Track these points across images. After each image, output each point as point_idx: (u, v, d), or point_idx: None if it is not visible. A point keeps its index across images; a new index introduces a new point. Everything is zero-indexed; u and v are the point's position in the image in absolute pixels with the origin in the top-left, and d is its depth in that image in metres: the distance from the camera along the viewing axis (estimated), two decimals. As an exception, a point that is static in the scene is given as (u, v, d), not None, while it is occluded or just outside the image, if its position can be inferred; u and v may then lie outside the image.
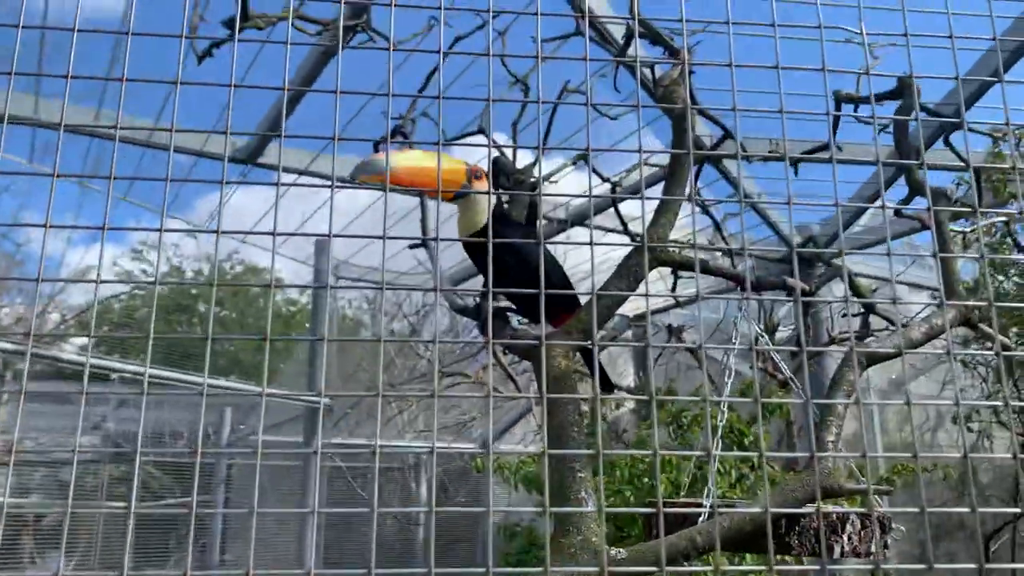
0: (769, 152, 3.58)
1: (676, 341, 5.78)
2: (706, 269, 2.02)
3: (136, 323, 14.63)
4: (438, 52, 1.40)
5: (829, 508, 1.89)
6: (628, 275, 1.98)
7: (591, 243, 1.31)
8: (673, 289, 3.25)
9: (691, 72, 2.78)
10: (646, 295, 1.54)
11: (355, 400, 8.44)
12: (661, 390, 4.89)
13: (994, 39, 1.62)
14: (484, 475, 5.59)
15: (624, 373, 7.50)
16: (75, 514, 8.21)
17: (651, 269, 2.09)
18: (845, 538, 1.79)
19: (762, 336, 2.59)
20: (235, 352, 14.11)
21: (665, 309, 7.27)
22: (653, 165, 3.69)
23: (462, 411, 8.19)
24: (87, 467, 8.34)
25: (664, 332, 6.69)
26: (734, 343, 2.36)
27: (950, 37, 1.58)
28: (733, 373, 2.21)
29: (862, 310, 3.08)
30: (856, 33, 1.59)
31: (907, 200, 2.60)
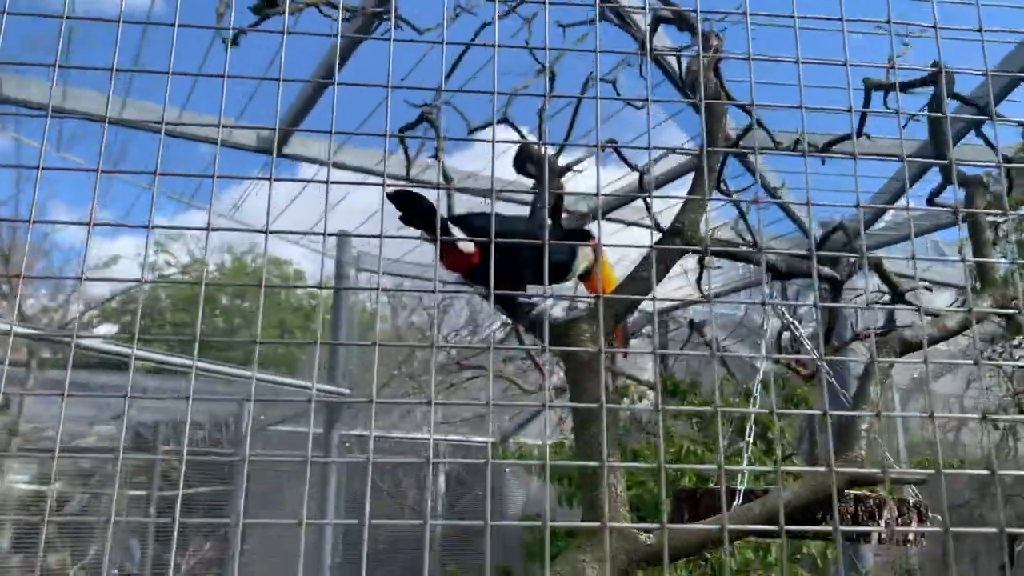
0: (795, 144, 3.54)
1: (697, 336, 5.74)
2: (732, 254, 2.00)
3: (158, 313, 14.77)
4: (463, 44, 1.39)
5: (866, 493, 1.87)
6: (659, 261, 1.96)
7: (599, 244, 1.30)
8: (698, 282, 3.22)
9: (719, 61, 2.75)
10: (654, 299, 1.52)
11: (377, 389, 8.44)
12: (684, 383, 4.87)
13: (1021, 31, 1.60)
14: (502, 467, 5.58)
15: (645, 367, 7.47)
16: (98, 502, 8.30)
17: (681, 254, 2.07)
18: (883, 524, 1.77)
19: (794, 327, 2.57)
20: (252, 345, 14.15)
21: (687, 304, 7.23)
22: (685, 152, 3.66)
23: (481, 403, 8.16)
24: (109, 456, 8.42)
25: (686, 328, 6.66)
26: (762, 339, 2.34)
27: (980, 30, 1.56)
28: (761, 370, 2.20)
29: (887, 302, 3.04)
30: (883, 23, 1.57)
31: (939, 190, 2.56)
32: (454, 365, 8.37)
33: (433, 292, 1.27)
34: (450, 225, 2.02)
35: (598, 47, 1.37)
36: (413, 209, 1.88)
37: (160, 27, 1.33)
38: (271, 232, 1.29)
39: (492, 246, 1.10)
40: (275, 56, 5.14)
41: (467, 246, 1.99)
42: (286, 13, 2.93)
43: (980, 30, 1.55)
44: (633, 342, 7.95)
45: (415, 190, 1.91)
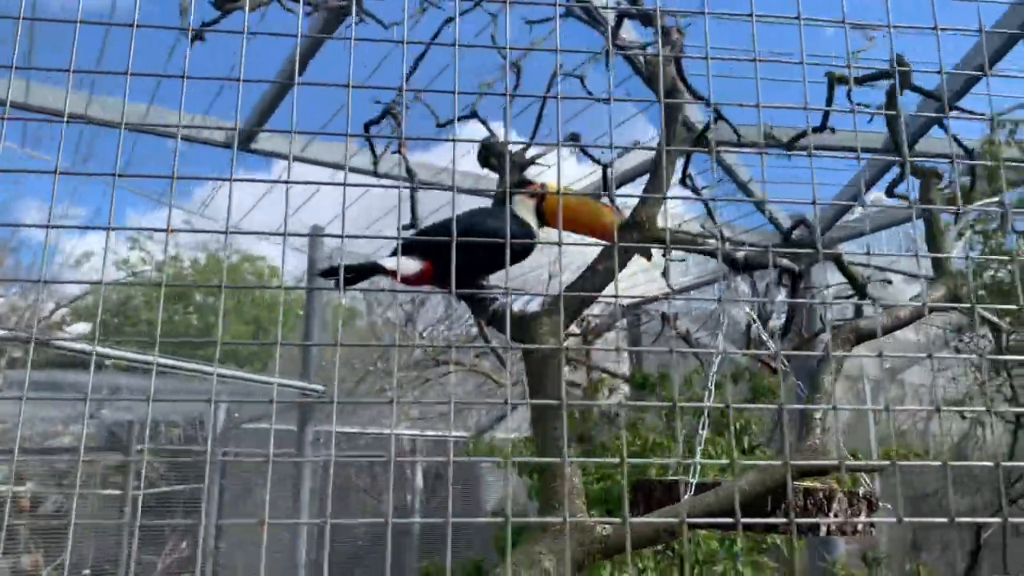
0: (764, 138, 3.56)
1: (670, 328, 5.78)
2: (690, 244, 2.02)
3: (132, 310, 14.61)
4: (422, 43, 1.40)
5: (815, 485, 1.89)
6: (616, 253, 1.97)
7: (559, 243, 1.32)
8: (664, 274, 3.24)
9: (679, 57, 2.77)
10: (615, 296, 1.53)
11: (351, 387, 8.44)
12: (654, 376, 4.91)
13: (980, 31, 1.64)
14: (478, 462, 5.60)
15: (620, 359, 7.50)
16: (72, 502, 8.21)
17: (638, 247, 2.09)
18: (832, 516, 1.79)
19: (753, 320, 2.59)
20: (228, 342, 14.10)
21: (662, 297, 7.27)
22: (646, 148, 3.67)
23: (458, 399, 8.17)
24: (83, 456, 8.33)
25: (658, 320, 6.69)
26: (720, 329, 2.36)
27: (935, 29, 1.59)
28: (716, 364, 2.22)
29: (853, 294, 3.08)
30: (839, 24, 1.60)
31: (897, 182, 2.59)
32: (430, 360, 8.37)
33: (398, 292, 1.27)
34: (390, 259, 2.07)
35: (559, 47, 1.38)
36: (350, 273, 1.98)
37: (127, 18, 1.33)
38: (231, 232, 1.30)
39: (453, 250, 1.10)
40: (243, 49, 5.08)
41: (410, 268, 2.01)
42: (246, 12, 2.92)
43: (936, 29, 1.59)
44: (608, 335, 7.99)
45: (332, 266, 2.13)
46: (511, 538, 1.15)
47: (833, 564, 4.88)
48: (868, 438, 6.42)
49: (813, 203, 1.47)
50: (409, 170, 2.71)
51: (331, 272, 2.14)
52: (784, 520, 1.74)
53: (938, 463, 1.24)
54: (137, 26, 1.34)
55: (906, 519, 1.42)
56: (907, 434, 7.43)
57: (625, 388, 6.07)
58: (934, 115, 2.60)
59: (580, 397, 6.74)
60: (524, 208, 2.19)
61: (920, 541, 7.57)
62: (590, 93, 3.71)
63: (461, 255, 1.28)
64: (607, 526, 1.60)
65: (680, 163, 2.99)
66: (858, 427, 6.83)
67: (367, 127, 3.05)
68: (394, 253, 2.05)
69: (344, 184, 1.31)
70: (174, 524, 7.81)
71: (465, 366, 7.23)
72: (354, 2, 3.14)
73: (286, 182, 1.38)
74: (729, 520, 1.20)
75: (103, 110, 5.46)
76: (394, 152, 2.82)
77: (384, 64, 4.68)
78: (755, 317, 2.56)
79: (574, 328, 7.49)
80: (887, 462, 1.25)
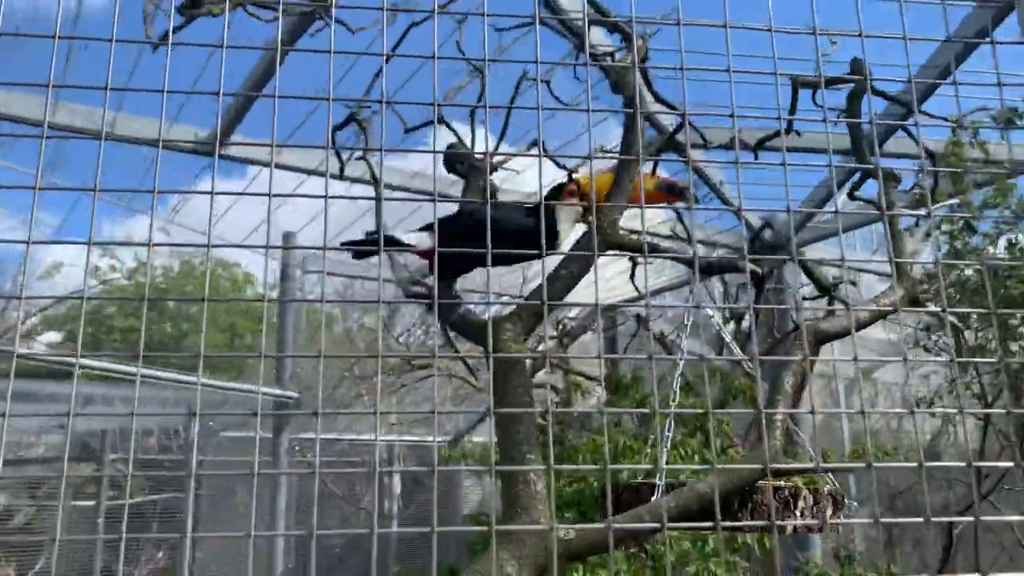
0: (730, 141, 3.59)
1: (644, 330, 5.80)
2: (653, 249, 2.03)
3: (107, 318, 14.43)
4: (381, 55, 1.40)
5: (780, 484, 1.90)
6: (579, 259, 1.98)
7: (543, 254, 1.33)
8: (631, 277, 3.26)
9: (644, 60, 2.79)
10: (596, 305, 1.55)
11: (326, 393, 8.37)
12: (627, 378, 4.92)
13: (947, 40, 1.68)
14: (456, 466, 5.60)
15: (595, 362, 7.52)
16: (45, 514, 8.11)
17: (602, 252, 2.10)
18: (798, 513, 1.81)
19: (719, 327, 2.62)
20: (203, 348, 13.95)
21: (636, 300, 7.30)
22: (610, 157, 3.68)
23: (435, 402, 8.15)
24: (53, 467, 8.23)
25: (633, 322, 6.73)
26: (684, 330, 2.38)
27: (903, 38, 1.64)
28: (684, 356, 2.23)
29: (819, 295, 3.11)
30: (810, 33, 1.63)
31: (859, 184, 2.62)
32: (406, 365, 8.34)
33: (378, 302, 1.28)
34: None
35: (537, 56, 1.39)
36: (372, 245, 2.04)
37: (93, 23, 1.32)
38: (214, 245, 1.31)
39: (432, 249, 1.10)
40: (213, 54, 5.05)
41: (424, 242, 2.09)
42: (226, 21, 2.90)
43: (904, 38, 1.63)
44: (584, 337, 8.02)
45: (360, 239, 2.17)
46: (480, 543, 1.15)
47: (806, 563, 4.92)
48: (841, 437, 6.49)
49: (788, 210, 1.48)
50: (375, 176, 2.71)
51: (361, 244, 2.21)
52: (763, 523, 1.76)
53: (913, 464, 1.25)
54: (98, 40, 1.35)
55: (883, 520, 1.44)
56: (880, 432, 7.52)
57: (600, 391, 6.09)
58: (897, 123, 2.63)
59: (557, 400, 6.76)
60: (566, 213, 2.16)
61: (895, 537, 7.65)
62: (558, 99, 3.73)
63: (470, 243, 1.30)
64: (570, 531, 1.61)
65: (649, 166, 3.01)
66: (832, 425, 6.90)
67: (334, 132, 3.04)
68: (423, 229, 2.13)
69: (325, 196, 1.31)
70: (161, 537, 7.72)
71: (442, 371, 7.21)
72: (326, 7, 3.13)
73: (267, 195, 1.37)
74: (708, 524, 1.20)
75: (71, 116, 5.40)
76: (359, 159, 2.82)
77: (354, 68, 4.66)
78: (720, 323, 2.58)
79: (551, 331, 7.51)
80: (862, 463, 1.27)
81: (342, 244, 2.39)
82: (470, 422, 8.24)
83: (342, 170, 3.12)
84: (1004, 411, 4.65)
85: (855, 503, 1.99)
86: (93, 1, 4.87)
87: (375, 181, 2.65)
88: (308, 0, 3.48)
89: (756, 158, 3.56)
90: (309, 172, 5.46)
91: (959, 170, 3.29)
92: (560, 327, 7.38)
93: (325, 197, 1.37)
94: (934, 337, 5.49)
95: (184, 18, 3.07)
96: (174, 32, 3.21)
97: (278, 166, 5.54)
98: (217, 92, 1.52)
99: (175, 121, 5.64)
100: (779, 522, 1.85)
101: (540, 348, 4.88)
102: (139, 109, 5.17)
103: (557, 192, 2.30)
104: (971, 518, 6.49)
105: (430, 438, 9.13)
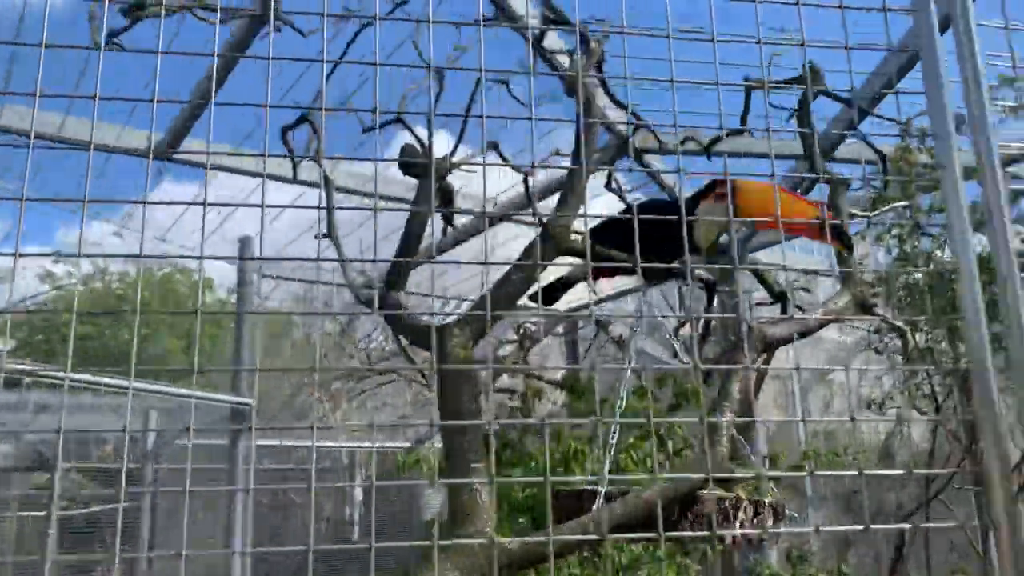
0: (681, 142, 3.61)
1: (604, 334, 5.82)
2: (597, 255, 2.03)
3: (64, 325, 14.11)
4: (325, 60, 1.37)
5: (720, 493, 1.91)
6: (529, 265, 1.97)
7: (485, 262, 1.33)
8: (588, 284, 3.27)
9: (601, 62, 2.80)
10: (539, 309, 1.54)
11: (284, 401, 8.27)
12: (582, 384, 4.94)
13: (888, 49, 1.72)
14: (416, 472, 5.56)
15: (555, 368, 7.53)
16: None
17: (553, 257, 2.09)
18: (737, 524, 1.81)
19: (670, 336, 2.63)
20: (162, 356, 13.75)
21: (597, 303, 7.31)
22: (561, 167, 3.69)
23: (395, 409, 8.11)
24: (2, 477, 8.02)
25: (592, 325, 6.73)
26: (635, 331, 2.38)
27: (846, 48, 1.70)
28: (627, 377, 2.24)
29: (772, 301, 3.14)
30: (755, 42, 1.67)
31: (810, 187, 2.65)
32: (367, 372, 8.27)
33: (333, 315, 1.26)
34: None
35: (482, 65, 1.37)
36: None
37: (37, 26, 1.33)
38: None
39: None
40: (163, 58, 4.96)
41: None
42: (161, 27, 2.86)
43: (847, 48, 1.69)
44: (545, 341, 8.02)
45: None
46: (429, 551, 1.13)
47: (757, 563, 4.97)
48: (796, 438, 6.57)
49: (730, 219, 1.49)
50: (326, 178, 2.68)
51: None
52: (704, 533, 1.76)
53: (854, 472, 1.27)
54: (47, 46, 1.35)
55: (823, 528, 1.46)
56: (836, 432, 7.63)
57: (558, 394, 6.10)
58: (845, 133, 2.67)
59: (518, 405, 6.74)
60: (710, 212, 2.10)
61: (850, 535, 7.76)
62: (516, 98, 3.72)
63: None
64: (513, 540, 1.59)
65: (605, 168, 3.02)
66: (787, 425, 6.99)
67: (284, 133, 3.00)
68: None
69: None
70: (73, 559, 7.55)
71: (401, 377, 7.18)
72: (271, 11, 3.09)
73: (224, 204, 1.34)
74: (651, 535, 1.20)
75: (20, 119, 5.27)
76: (311, 159, 2.78)
77: (307, 71, 4.61)
78: (671, 330, 2.60)
79: (511, 335, 7.49)
80: (804, 473, 1.27)
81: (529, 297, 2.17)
82: (431, 428, 8.20)
83: (295, 174, 3.08)
84: (935, 419, 4.76)
85: (795, 514, 2.00)
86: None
87: (327, 184, 2.62)
88: (251, 6, 3.44)
89: (709, 159, 3.59)
90: (260, 175, 5.39)
91: (906, 178, 3.35)
92: (521, 331, 7.37)
93: (262, 206, 1.36)
94: (885, 340, 5.58)
95: (129, 20, 3.01)
96: (119, 34, 3.15)
97: (234, 170, 5.46)
98: (151, 99, 1.50)
99: (127, 124, 5.53)
100: (720, 531, 1.85)
101: (500, 353, 4.87)
102: (90, 111, 5.07)
103: (707, 190, 2.23)
104: (909, 525, 6.63)
105: (390, 444, 9.06)
